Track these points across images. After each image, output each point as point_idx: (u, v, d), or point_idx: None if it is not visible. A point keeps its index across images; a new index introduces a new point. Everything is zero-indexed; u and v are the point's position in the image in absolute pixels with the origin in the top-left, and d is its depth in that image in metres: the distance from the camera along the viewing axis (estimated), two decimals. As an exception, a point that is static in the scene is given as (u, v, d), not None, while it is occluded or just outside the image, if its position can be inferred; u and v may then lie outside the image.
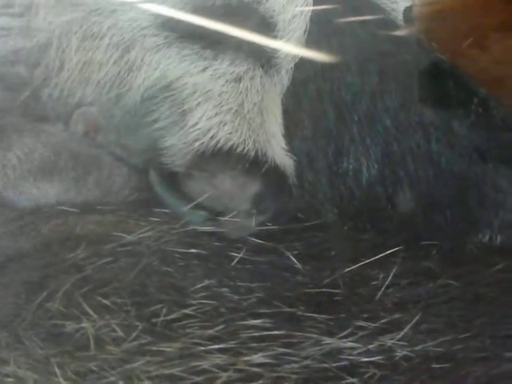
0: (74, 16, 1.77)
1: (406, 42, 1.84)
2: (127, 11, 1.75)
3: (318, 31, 1.79)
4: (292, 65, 1.82)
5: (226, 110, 1.74)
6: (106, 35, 1.76)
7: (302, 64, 1.80)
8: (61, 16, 1.77)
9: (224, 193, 1.73)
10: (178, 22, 1.73)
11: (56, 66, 1.79)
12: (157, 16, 1.75)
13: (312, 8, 1.79)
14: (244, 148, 1.73)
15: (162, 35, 1.75)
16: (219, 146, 1.73)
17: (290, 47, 1.79)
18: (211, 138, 1.73)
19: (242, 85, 1.75)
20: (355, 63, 1.82)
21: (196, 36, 1.73)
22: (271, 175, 1.75)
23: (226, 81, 1.74)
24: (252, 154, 1.73)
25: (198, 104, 1.74)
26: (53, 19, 1.77)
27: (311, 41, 1.79)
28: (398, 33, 1.84)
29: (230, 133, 1.73)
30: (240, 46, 1.74)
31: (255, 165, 1.74)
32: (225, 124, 1.73)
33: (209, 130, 1.73)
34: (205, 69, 1.74)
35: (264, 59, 1.78)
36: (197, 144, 1.73)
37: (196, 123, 1.73)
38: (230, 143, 1.73)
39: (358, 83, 1.82)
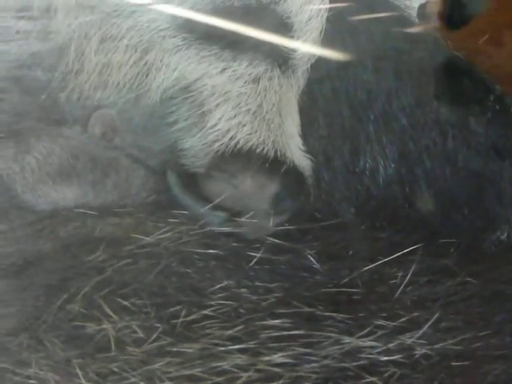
0: (93, 18, 1.77)
1: (421, 40, 1.83)
2: (146, 12, 1.75)
3: (333, 30, 1.79)
4: (308, 65, 1.81)
5: (245, 110, 1.74)
6: (124, 37, 1.76)
7: (317, 64, 1.80)
8: (79, 18, 1.77)
9: (243, 193, 1.73)
10: (197, 23, 1.73)
11: (75, 69, 1.79)
12: (175, 17, 1.75)
13: (328, 7, 1.78)
14: (263, 148, 1.73)
15: (180, 36, 1.75)
16: (239, 146, 1.73)
17: (306, 47, 1.79)
18: (230, 138, 1.73)
19: (260, 86, 1.75)
20: (370, 62, 1.81)
21: (214, 37, 1.73)
22: (290, 176, 1.75)
23: (245, 82, 1.74)
24: (271, 154, 1.74)
25: (217, 105, 1.74)
26: (71, 21, 1.77)
27: (327, 40, 1.79)
28: (413, 30, 1.84)
29: (250, 133, 1.73)
30: (258, 47, 1.74)
31: (274, 165, 1.74)
32: (244, 125, 1.74)
33: (228, 131, 1.73)
34: (223, 70, 1.74)
35: (281, 60, 1.78)
36: (216, 145, 1.74)
37: (215, 124, 1.73)
38: (249, 144, 1.73)
39: (373, 82, 1.82)
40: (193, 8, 1.73)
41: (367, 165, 1.80)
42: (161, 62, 1.77)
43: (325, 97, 1.83)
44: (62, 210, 1.79)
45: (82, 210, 1.77)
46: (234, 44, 1.73)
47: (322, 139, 1.82)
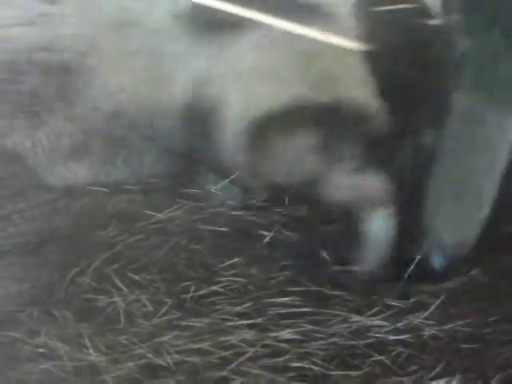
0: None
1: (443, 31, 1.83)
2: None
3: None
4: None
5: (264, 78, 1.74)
6: (140, 23, 1.79)
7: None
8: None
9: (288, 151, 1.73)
10: (208, 10, 1.73)
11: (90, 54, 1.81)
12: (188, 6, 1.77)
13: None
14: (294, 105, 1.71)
15: (186, 36, 1.77)
16: (264, 113, 1.72)
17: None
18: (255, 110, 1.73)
19: (274, 50, 1.75)
20: (392, 52, 1.80)
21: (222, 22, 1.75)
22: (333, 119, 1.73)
23: (258, 50, 1.75)
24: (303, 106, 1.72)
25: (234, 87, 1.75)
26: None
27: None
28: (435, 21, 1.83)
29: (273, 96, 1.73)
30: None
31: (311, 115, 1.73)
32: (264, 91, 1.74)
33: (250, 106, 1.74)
34: (234, 53, 1.75)
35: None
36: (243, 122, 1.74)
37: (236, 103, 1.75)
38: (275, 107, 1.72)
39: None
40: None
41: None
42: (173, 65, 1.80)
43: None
44: (77, 188, 1.82)
45: (93, 188, 1.81)
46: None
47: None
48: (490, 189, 1.63)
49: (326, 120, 1.70)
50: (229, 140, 1.75)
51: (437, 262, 1.66)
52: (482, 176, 1.63)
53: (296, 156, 1.71)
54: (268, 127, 1.72)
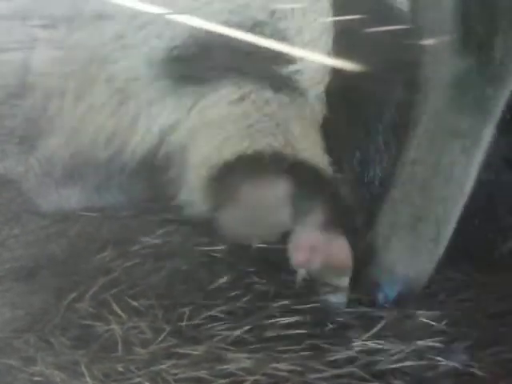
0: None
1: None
2: (119, 60, 1.75)
3: (345, 42, 1.78)
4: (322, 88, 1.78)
5: (231, 127, 1.69)
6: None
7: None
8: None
9: (257, 200, 1.63)
10: (175, 65, 1.71)
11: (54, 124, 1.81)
12: (151, 63, 1.73)
13: (338, 19, 1.76)
14: (261, 152, 1.66)
15: (158, 84, 1.73)
16: (228, 159, 1.66)
17: (314, 67, 1.76)
18: (217, 156, 1.67)
19: (245, 103, 1.70)
20: (381, 73, 1.80)
21: (195, 75, 1.71)
22: (300, 173, 1.64)
23: (228, 103, 1.70)
24: (270, 155, 1.65)
25: (195, 138, 1.72)
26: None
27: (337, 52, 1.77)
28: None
29: (239, 143, 1.67)
30: (244, 69, 1.70)
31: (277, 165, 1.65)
32: (229, 138, 1.68)
33: (212, 152, 1.69)
34: (204, 105, 1.72)
35: (277, 80, 1.72)
36: (204, 170, 1.68)
37: (198, 152, 1.71)
38: (240, 153, 1.66)
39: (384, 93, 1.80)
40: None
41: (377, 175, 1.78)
42: (139, 114, 1.76)
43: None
44: (68, 213, 1.81)
45: (86, 213, 1.80)
46: (215, 73, 1.70)
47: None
48: (449, 220, 1.60)
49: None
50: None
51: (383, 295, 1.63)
52: (442, 205, 1.60)
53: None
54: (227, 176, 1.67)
